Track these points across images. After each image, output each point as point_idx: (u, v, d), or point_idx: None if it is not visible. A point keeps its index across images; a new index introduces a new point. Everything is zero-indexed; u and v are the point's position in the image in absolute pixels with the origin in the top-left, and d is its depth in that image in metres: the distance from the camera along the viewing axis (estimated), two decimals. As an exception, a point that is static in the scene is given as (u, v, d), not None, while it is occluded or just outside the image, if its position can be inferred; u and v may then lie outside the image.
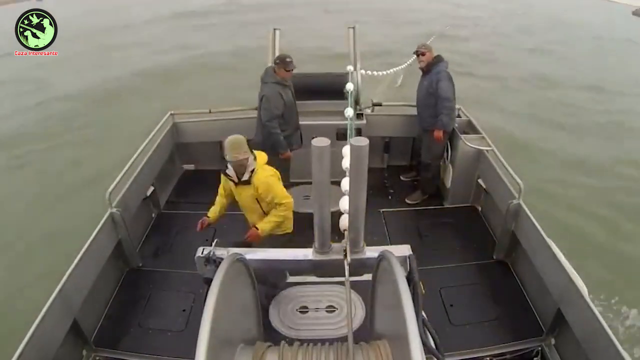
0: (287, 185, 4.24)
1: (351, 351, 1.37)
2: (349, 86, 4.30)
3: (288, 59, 3.79)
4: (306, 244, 2.34)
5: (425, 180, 4.46)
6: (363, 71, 4.69)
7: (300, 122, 4.15)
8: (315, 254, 1.94)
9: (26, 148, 7.62)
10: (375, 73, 4.97)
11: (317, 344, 1.62)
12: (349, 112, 3.82)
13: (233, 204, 3.26)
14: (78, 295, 2.78)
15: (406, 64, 5.55)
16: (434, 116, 4.05)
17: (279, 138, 3.78)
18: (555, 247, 2.92)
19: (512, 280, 3.46)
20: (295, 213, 4.26)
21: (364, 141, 1.54)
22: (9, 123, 8.73)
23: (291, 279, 3.42)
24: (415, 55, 4.19)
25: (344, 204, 1.84)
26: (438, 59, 4.07)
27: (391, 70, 5.40)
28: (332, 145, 1.58)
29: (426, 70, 4.12)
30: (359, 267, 1.82)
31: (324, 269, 1.98)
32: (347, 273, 1.68)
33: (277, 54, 4.70)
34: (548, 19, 18.01)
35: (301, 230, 4.00)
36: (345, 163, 1.94)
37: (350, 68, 4.26)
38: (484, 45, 14.25)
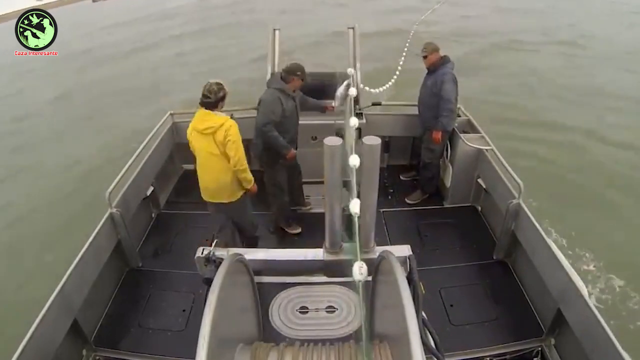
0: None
1: (365, 347, 1.36)
2: (350, 71, 4.32)
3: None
4: (306, 244, 2.35)
5: (425, 179, 4.45)
6: (362, 85, 4.68)
7: (300, 122, 4.15)
8: (325, 254, 1.93)
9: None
10: (373, 90, 4.94)
11: (317, 344, 1.62)
12: (353, 92, 3.91)
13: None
14: (78, 295, 2.78)
15: (394, 79, 5.37)
16: (435, 116, 4.04)
17: (277, 139, 3.58)
18: (555, 247, 2.92)
19: (512, 280, 3.45)
20: (297, 214, 4.30)
21: (376, 140, 1.53)
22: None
23: (291, 279, 3.42)
24: (422, 57, 4.13)
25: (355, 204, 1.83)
26: (445, 60, 4.03)
27: (388, 84, 5.29)
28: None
29: (431, 70, 4.09)
30: (368, 266, 1.82)
31: (335, 269, 1.97)
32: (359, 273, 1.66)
33: (277, 54, 4.70)
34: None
35: (302, 230, 4.03)
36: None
37: (350, 70, 4.26)
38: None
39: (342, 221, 1.88)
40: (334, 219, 1.81)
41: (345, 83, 4.13)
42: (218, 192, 3.24)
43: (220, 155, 3.04)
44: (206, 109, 3.03)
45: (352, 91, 4.12)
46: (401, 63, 5.35)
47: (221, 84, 3.04)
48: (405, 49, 5.56)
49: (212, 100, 3.00)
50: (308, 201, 4.38)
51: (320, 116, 4.30)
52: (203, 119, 3.02)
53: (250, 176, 3.22)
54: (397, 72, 5.23)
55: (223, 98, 3.06)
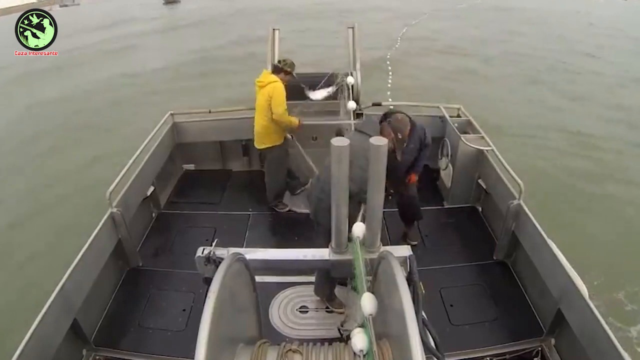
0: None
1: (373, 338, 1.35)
2: (350, 80, 4.32)
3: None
4: (305, 243, 2.34)
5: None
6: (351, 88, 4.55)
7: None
8: (331, 254, 1.93)
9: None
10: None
11: (316, 343, 1.62)
12: (352, 105, 3.87)
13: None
14: (78, 295, 2.78)
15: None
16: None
17: None
18: (555, 248, 2.92)
19: (512, 280, 3.45)
20: (297, 213, 4.30)
21: (382, 141, 1.53)
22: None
23: (291, 278, 3.42)
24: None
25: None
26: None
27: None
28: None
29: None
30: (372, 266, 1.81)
31: (340, 269, 1.97)
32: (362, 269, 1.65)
33: (277, 53, 4.71)
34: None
35: (302, 230, 4.02)
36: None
37: (350, 79, 4.29)
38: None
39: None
40: (340, 219, 1.81)
41: (329, 89, 4.18)
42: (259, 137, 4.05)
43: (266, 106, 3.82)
44: (272, 71, 3.92)
45: (351, 104, 4.15)
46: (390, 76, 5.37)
47: (293, 65, 3.94)
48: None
49: (279, 66, 3.90)
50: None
51: (320, 117, 4.31)
52: (263, 75, 3.90)
53: (291, 120, 3.90)
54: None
55: (284, 72, 3.89)
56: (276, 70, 3.92)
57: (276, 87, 3.78)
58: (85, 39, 16.67)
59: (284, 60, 3.95)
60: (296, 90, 4.14)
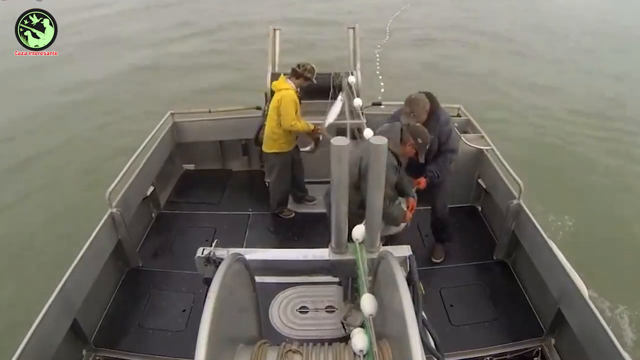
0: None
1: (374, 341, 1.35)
2: (351, 79, 4.32)
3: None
4: (304, 243, 2.34)
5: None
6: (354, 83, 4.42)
7: None
8: (331, 254, 1.94)
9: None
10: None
11: (316, 344, 1.62)
12: (358, 102, 3.81)
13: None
14: (78, 295, 2.78)
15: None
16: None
17: None
18: (555, 248, 2.92)
19: (512, 280, 3.46)
20: (297, 214, 4.31)
21: (382, 140, 1.53)
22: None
23: (291, 279, 3.42)
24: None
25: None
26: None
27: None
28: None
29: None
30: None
31: (340, 269, 1.98)
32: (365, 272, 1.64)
33: (277, 53, 4.71)
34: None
35: (302, 230, 4.03)
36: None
37: (352, 79, 4.27)
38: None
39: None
40: (340, 219, 1.81)
41: (339, 100, 4.13)
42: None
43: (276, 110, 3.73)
44: (291, 75, 3.76)
45: (357, 101, 4.14)
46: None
47: (313, 71, 3.76)
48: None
49: (298, 71, 3.72)
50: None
51: (319, 116, 4.30)
52: (280, 81, 3.76)
53: (303, 126, 3.78)
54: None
55: (304, 77, 3.73)
56: (295, 75, 3.74)
57: (284, 96, 3.63)
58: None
59: (303, 66, 3.73)
60: (310, 90, 4.01)
